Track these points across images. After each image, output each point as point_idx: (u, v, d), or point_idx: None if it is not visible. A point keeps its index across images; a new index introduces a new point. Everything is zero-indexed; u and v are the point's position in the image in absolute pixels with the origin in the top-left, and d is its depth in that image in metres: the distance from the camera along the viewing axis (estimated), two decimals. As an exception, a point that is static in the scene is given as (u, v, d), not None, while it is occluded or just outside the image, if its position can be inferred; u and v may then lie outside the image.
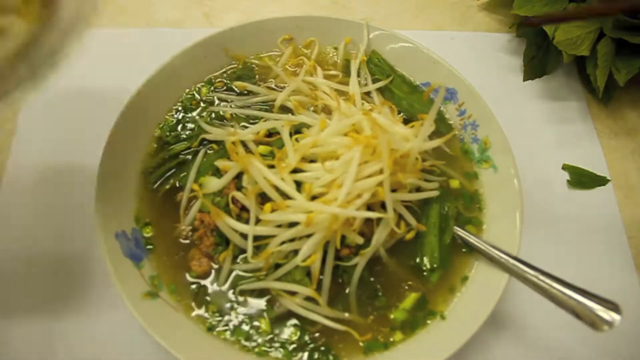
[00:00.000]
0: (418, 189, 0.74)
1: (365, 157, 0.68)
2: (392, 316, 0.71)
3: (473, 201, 0.81)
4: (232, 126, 0.82)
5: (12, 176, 0.90)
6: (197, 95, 0.88)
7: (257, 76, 0.91)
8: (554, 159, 0.96)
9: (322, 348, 0.68)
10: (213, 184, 0.73)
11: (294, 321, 0.69)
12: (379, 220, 0.69)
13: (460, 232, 0.76)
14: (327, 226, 0.64)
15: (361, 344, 0.68)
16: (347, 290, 0.71)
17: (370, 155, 0.68)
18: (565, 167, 0.95)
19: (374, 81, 0.90)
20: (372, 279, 0.72)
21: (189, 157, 0.81)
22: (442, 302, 0.72)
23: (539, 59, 1.03)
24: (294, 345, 0.68)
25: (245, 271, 0.71)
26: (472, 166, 0.84)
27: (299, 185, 0.69)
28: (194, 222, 0.74)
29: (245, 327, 0.69)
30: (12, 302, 0.79)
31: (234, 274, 0.72)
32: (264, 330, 0.69)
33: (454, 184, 0.81)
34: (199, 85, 0.89)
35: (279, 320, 0.69)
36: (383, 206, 0.69)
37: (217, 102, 0.87)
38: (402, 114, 0.85)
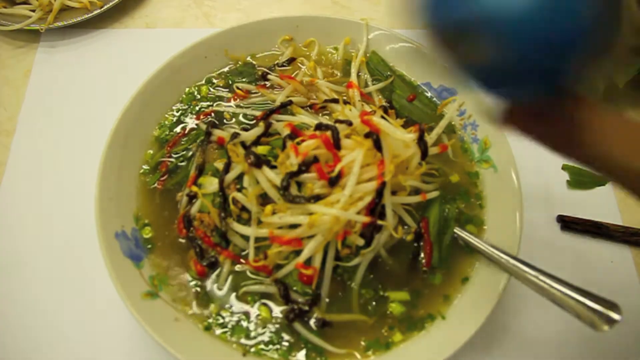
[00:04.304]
0: (417, 191, 0.74)
1: (367, 160, 0.68)
2: (389, 310, 0.71)
3: (473, 199, 0.81)
4: (232, 127, 0.83)
5: (11, 176, 0.90)
6: (197, 95, 0.88)
7: (258, 73, 0.91)
8: (554, 159, 0.95)
9: (320, 349, 0.68)
10: (213, 184, 0.73)
11: (293, 322, 0.69)
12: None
13: (461, 232, 0.76)
14: (329, 228, 0.64)
15: (362, 342, 0.68)
16: (348, 290, 0.71)
17: (372, 158, 0.68)
18: (565, 167, 0.95)
19: (374, 82, 0.90)
20: (371, 276, 0.72)
21: (189, 157, 0.81)
22: (442, 302, 0.72)
23: (539, 59, 1.03)
24: (291, 346, 0.68)
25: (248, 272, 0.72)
26: (472, 166, 0.84)
27: (300, 185, 0.69)
28: (193, 222, 0.74)
29: (244, 327, 0.69)
30: (12, 301, 0.79)
31: (233, 274, 0.72)
32: (262, 331, 0.69)
33: (454, 178, 0.82)
34: (198, 84, 0.89)
35: (278, 320, 0.69)
36: (383, 207, 0.69)
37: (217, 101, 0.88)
38: (402, 118, 0.84)
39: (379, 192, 0.67)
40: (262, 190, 0.69)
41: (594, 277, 0.84)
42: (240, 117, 0.85)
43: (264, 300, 0.70)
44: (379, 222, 0.67)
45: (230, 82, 0.90)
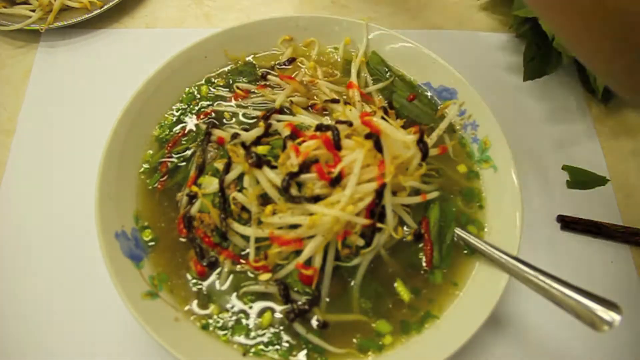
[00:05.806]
0: (417, 192, 0.74)
1: (367, 161, 0.68)
2: (389, 310, 0.71)
3: (473, 199, 0.81)
4: (232, 127, 0.83)
5: (11, 176, 0.90)
6: (197, 95, 0.88)
7: (258, 73, 0.91)
8: (554, 159, 0.96)
9: (320, 349, 0.68)
10: (213, 184, 0.73)
11: (293, 322, 0.69)
12: (380, 221, 0.69)
13: (461, 232, 0.76)
14: (329, 228, 0.64)
15: (362, 342, 0.68)
16: (348, 290, 0.71)
17: (372, 158, 0.68)
18: (565, 168, 0.95)
19: (374, 82, 0.90)
20: (371, 277, 0.72)
21: (189, 157, 0.81)
22: (442, 303, 0.72)
23: (539, 59, 1.03)
24: (291, 346, 0.68)
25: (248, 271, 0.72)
26: (472, 166, 0.84)
27: (300, 186, 0.69)
28: (194, 222, 0.74)
29: (244, 327, 0.69)
30: (12, 300, 0.79)
31: (233, 274, 0.72)
32: (262, 331, 0.69)
33: (462, 168, 0.82)
34: (198, 84, 0.89)
35: (278, 321, 0.69)
36: (383, 207, 0.69)
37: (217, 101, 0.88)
38: (402, 119, 0.84)
39: (379, 193, 0.67)
40: (262, 190, 0.69)
41: (594, 277, 0.84)
42: (241, 117, 0.85)
43: (264, 301, 0.70)
44: (379, 225, 0.67)
45: (230, 82, 0.90)
